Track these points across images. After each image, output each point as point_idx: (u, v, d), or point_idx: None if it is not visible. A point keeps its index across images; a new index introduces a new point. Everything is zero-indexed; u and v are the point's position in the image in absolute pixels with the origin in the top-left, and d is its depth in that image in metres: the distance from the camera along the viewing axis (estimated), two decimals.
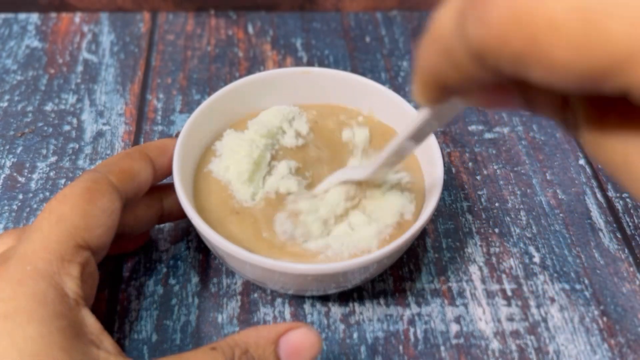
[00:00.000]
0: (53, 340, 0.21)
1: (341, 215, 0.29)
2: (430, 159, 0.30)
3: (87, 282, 0.24)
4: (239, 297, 0.31)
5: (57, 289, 0.22)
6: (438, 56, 0.15)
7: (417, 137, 0.23)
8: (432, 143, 0.30)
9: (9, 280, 0.22)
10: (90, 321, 0.23)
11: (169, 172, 0.29)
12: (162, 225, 0.34)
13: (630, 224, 0.36)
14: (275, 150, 0.31)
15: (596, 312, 0.31)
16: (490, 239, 0.34)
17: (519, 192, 0.37)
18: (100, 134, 0.39)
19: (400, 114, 0.33)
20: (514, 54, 0.12)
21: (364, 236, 0.28)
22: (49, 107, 0.41)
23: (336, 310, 0.31)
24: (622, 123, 0.14)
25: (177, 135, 0.39)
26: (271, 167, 0.30)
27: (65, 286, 0.22)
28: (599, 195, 0.37)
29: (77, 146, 0.38)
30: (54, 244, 0.23)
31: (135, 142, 0.39)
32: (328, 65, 0.45)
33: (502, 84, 0.16)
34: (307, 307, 0.31)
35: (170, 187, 0.29)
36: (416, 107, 0.32)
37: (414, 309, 0.31)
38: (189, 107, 0.41)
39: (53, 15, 0.48)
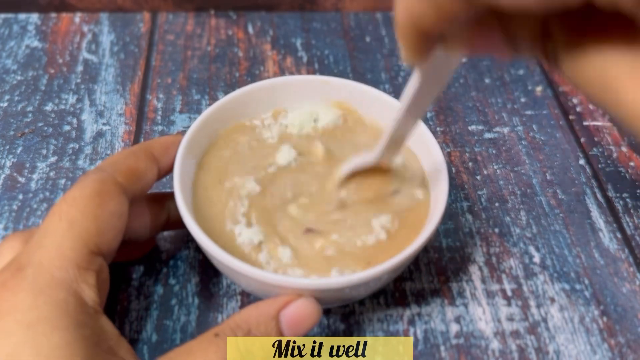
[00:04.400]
0: (77, 348, 0.21)
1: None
2: (435, 172, 0.30)
3: (101, 289, 0.24)
4: (239, 297, 0.31)
5: (76, 298, 0.22)
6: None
7: (416, 109, 0.22)
8: (437, 154, 0.30)
9: (29, 290, 0.21)
10: (109, 328, 0.23)
11: (170, 170, 0.28)
12: None
13: (630, 224, 0.36)
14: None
15: (596, 312, 0.31)
16: (490, 239, 0.34)
17: (519, 192, 0.37)
18: (100, 134, 0.39)
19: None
20: None
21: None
22: (49, 107, 0.41)
23: (336, 310, 0.31)
24: (598, 39, 0.16)
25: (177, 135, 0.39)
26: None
27: (83, 294, 0.22)
28: (599, 195, 0.37)
29: (77, 146, 0.38)
30: (68, 251, 0.23)
31: (135, 142, 0.39)
32: (328, 65, 0.45)
33: (481, 22, 0.17)
34: None
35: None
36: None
37: (414, 309, 0.31)
38: (188, 107, 0.41)
39: (53, 15, 0.48)
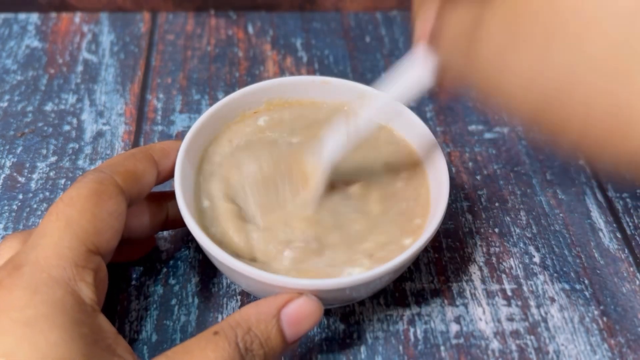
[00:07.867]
0: (75, 346, 0.21)
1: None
2: (437, 179, 0.30)
3: (99, 288, 0.24)
4: (238, 297, 0.31)
5: (74, 296, 0.22)
6: None
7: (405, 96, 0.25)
8: (441, 164, 0.29)
9: (26, 289, 0.21)
10: (107, 327, 0.23)
11: (171, 175, 0.28)
12: None
13: (630, 224, 0.35)
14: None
15: (596, 312, 0.31)
16: (490, 239, 0.34)
17: (519, 192, 0.37)
18: (100, 134, 0.39)
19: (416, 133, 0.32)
20: None
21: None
22: (49, 107, 0.41)
23: (336, 310, 0.31)
24: None
25: (177, 136, 0.39)
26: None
27: (81, 293, 0.22)
28: (599, 195, 0.37)
29: (77, 146, 0.38)
30: (65, 250, 0.23)
31: (135, 142, 0.39)
32: (328, 65, 0.45)
33: None
34: None
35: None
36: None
37: (414, 309, 0.31)
38: (188, 107, 0.41)
39: (53, 15, 0.48)
